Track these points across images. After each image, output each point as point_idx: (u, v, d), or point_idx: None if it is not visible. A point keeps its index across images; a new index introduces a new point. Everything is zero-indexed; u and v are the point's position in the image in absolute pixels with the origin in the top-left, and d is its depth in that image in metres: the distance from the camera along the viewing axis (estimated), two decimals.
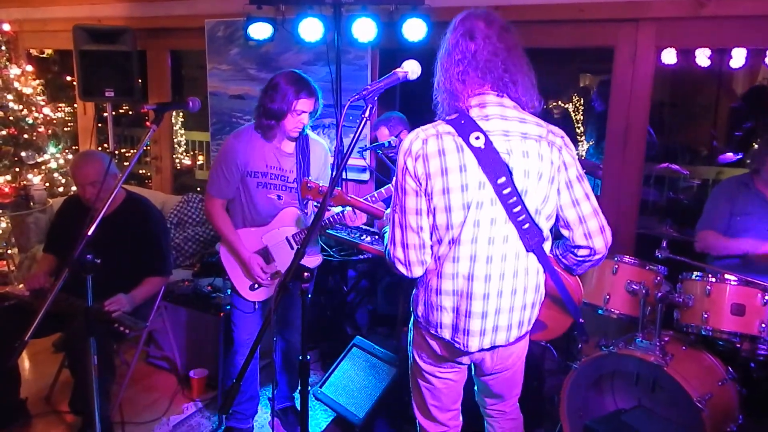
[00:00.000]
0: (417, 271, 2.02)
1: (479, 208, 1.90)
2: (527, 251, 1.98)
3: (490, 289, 1.96)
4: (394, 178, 2.00)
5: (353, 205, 2.61)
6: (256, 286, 3.06)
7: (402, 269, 2.02)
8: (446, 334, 2.04)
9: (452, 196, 1.89)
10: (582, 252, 2.03)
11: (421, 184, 1.91)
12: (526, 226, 1.94)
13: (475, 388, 2.40)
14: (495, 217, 1.91)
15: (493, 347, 2.05)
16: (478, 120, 1.90)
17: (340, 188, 2.62)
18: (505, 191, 1.89)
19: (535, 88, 1.98)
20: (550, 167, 1.94)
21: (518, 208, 1.91)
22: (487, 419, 2.44)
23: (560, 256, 2.14)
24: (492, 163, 1.88)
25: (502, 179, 1.88)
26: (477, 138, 1.87)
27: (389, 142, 4.05)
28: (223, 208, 3.08)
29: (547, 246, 2.04)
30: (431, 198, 1.91)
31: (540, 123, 1.98)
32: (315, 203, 2.60)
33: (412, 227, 1.95)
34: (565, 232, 2.04)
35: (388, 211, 2.24)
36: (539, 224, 1.96)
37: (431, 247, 2.00)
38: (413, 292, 2.14)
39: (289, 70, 2.97)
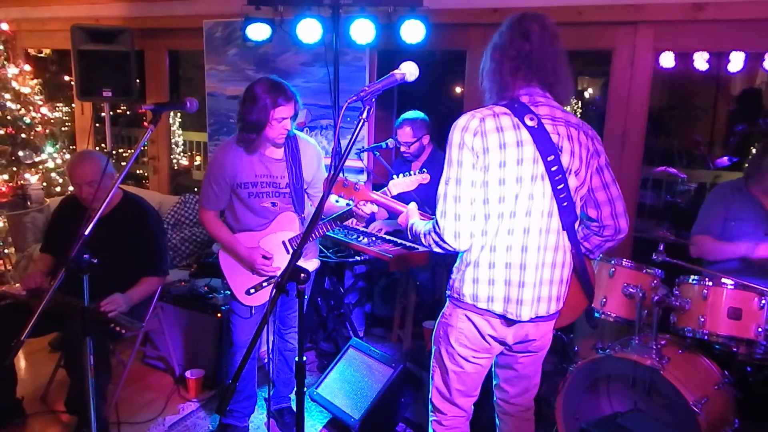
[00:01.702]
0: (464, 243, 2.10)
1: (533, 182, 2.05)
2: (563, 229, 2.14)
3: (539, 260, 2.11)
4: (447, 155, 2.09)
5: (376, 202, 2.61)
6: (252, 290, 3.05)
7: (450, 240, 2.08)
8: (498, 307, 2.13)
9: (507, 169, 2.03)
10: (607, 231, 2.27)
11: (478, 157, 2.02)
12: (566, 204, 2.11)
13: (495, 382, 2.45)
14: (545, 192, 2.08)
15: (538, 318, 2.17)
16: (529, 105, 2.08)
17: (363, 184, 2.64)
18: (553, 168, 2.06)
19: (573, 90, 2.23)
20: (587, 153, 2.15)
21: (561, 186, 2.08)
22: (503, 418, 2.48)
23: (581, 240, 2.31)
24: (544, 142, 2.05)
25: (551, 157, 2.05)
26: (531, 119, 2.05)
27: (386, 143, 4.05)
28: (217, 217, 3.11)
29: (576, 226, 2.21)
30: (486, 170, 2.03)
31: (575, 116, 2.20)
32: (347, 202, 2.62)
33: (466, 198, 2.05)
34: (592, 213, 2.26)
35: (411, 205, 2.41)
36: (575, 203, 2.15)
37: (478, 220, 2.10)
38: (456, 274, 2.21)
39: (263, 77, 2.92)
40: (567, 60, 2.15)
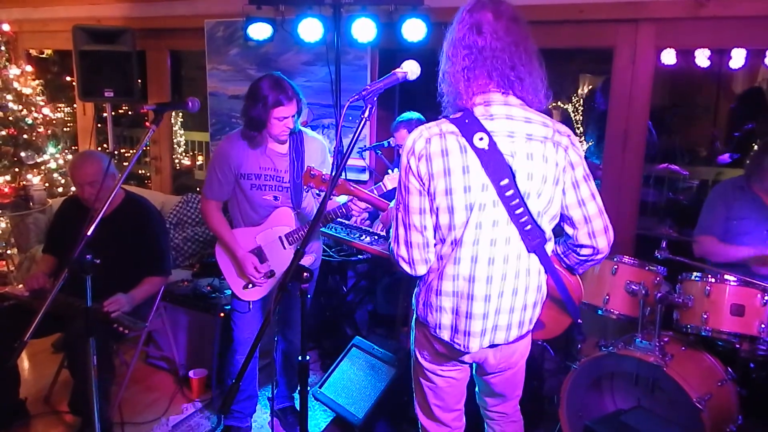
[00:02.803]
0: (421, 270, 2.01)
1: (482, 210, 1.87)
2: (529, 252, 1.96)
3: (491, 291, 1.94)
4: (398, 177, 1.98)
5: (356, 195, 2.60)
6: (250, 285, 3.07)
7: (406, 267, 2.01)
8: (445, 335, 2.02)
9: (455, 197, 1.87)
10: (585, 251, 2.03)
11: (424, 183, 1.90)
12: (528, 227, 1.91)
13: (477, 389, 2.37)
14: (497, 219, 1.89)
15: (493, 345, 2.03)
16: (482, 119, 1.86)
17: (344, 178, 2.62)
18: (508, 193, 1.86)
19: (543, 85, 1.91)
20: (554, 169, 1.90)
21: (520, 210, 1.89)
22: (487, 422, 2.41)
23: (562, 255, 2.13)
24: (495, 165, 1.85)
25: (505, 181, 1.86)
26: (481, 139, 1.84)
27: (388, 142, 4.04)
28: (219, 209, 3.11)
29: (549, 246, 2.02)
30: (434, 198, 1.90)
31: (546, 123, 1.92)
32: (317, 191, 2.61)
33: (416, 226, 1.94)
34: (569, 230, 2.03)
35: (393, 203, 2.21)
36: (542, 226, 1.94)
37: (435, 245, 1.99)
38: (415, 290, 2.13)
39: (269, 74, 2.93)
40: (535, 51, 1.89)
